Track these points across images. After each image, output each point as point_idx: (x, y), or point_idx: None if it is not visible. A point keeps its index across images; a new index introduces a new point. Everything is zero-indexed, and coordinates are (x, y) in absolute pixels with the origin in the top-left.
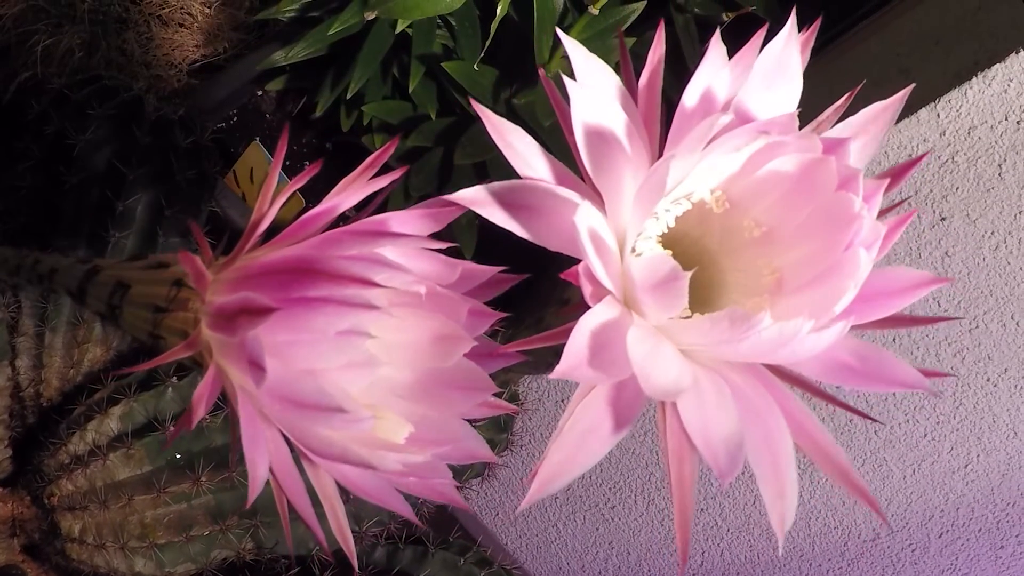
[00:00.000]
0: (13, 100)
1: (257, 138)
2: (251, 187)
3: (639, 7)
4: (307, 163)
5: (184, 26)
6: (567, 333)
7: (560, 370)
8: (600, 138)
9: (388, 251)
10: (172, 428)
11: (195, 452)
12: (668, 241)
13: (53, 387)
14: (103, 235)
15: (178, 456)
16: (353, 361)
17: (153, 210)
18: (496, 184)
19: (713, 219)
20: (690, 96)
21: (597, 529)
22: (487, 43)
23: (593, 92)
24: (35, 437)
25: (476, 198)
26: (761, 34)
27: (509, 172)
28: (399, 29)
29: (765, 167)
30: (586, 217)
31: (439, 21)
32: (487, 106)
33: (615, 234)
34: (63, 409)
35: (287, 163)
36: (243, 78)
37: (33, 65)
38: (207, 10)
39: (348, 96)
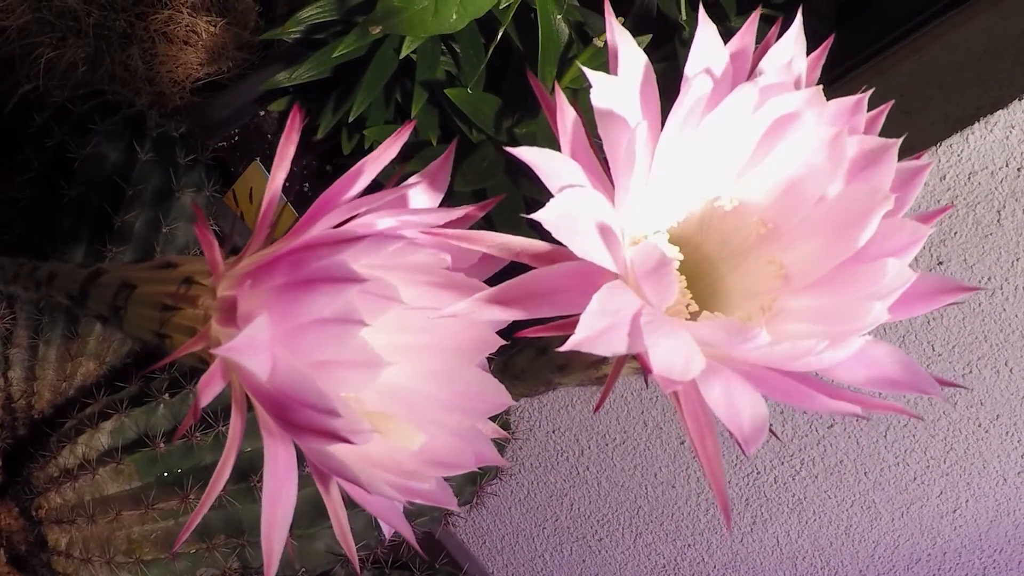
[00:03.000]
0: (15, 112)
1: (258, 158)
2: (250, 207)
3: (643, 40)
4: (307, 185)
5: (188, 44)
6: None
7: (575, 340)
8: (614, 125)
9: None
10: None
11: (184, 470)
12: (674, 241)
13: (45, 399)
14: (100, 249)
15: (166, 474)
16: (355, 360)
17: (151, 226)
18: (540, 151)
19: (715, 222)
20: (691, 68)
21: (584, 561)
22: (483, 65)
23: (617, 81)
24: (25, 449)
25: (529, 157)
26: (755, 17)
27: (510, 198)
28: (403, 54)
29: (775, 148)
30: (574, 196)
31: (443, 47)
32: (489, 134)
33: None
34: (54, 422)
35: (286, 185)
36: (246, 98)
37: (36, 77)
38: (212, 28)
39: (350, 119)
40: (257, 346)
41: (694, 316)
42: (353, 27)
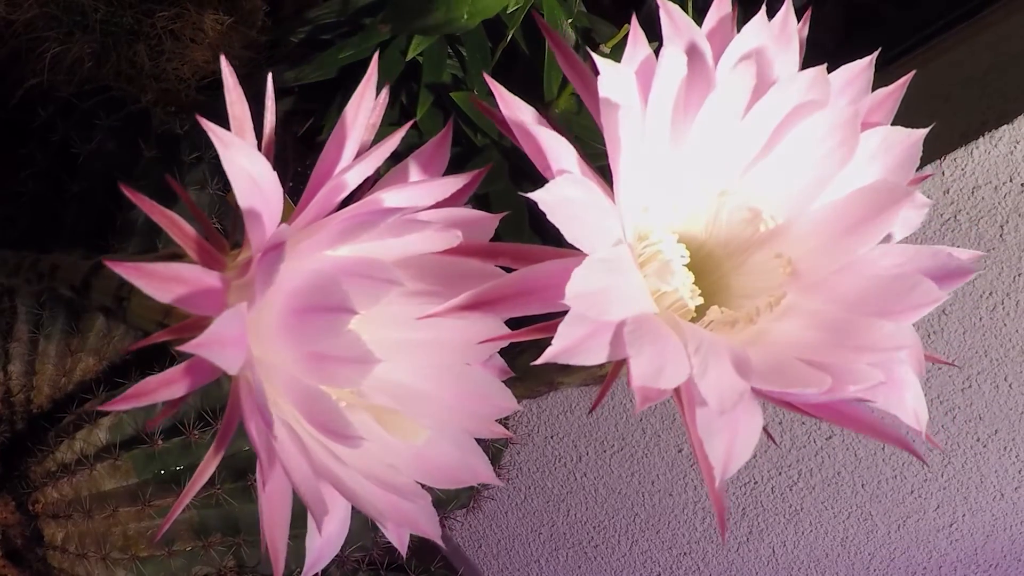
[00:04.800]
0: (20, 106)
1: None
2: None
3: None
4: None
5: (195, 41)
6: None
7: (552, 352)
8: (612, 113)
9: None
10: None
11: (182, 468)
12: (683, 238)
13: (44, 394)
14: (102, 245)
15: (162, 471)
16: (346, 355)
17: (153, 223)
18: (552, 133)
19: (723, 216)
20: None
21: (579, 567)
22: (491, 66)
23: (621, 69)
24: (23, 443)
25: (540, 136)
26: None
27: (511, 204)
28: (410, 56)
29: (782, 139)
30: (574, 180)
31: (449, 50)
32: (494, 138)
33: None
34: (53, 417)
35: (289, 184)
36: (251, 97)
37: (41, 72)
38: (219, 27)
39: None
40: (224, 341)
41: (700, 311)
42: (360, 28)
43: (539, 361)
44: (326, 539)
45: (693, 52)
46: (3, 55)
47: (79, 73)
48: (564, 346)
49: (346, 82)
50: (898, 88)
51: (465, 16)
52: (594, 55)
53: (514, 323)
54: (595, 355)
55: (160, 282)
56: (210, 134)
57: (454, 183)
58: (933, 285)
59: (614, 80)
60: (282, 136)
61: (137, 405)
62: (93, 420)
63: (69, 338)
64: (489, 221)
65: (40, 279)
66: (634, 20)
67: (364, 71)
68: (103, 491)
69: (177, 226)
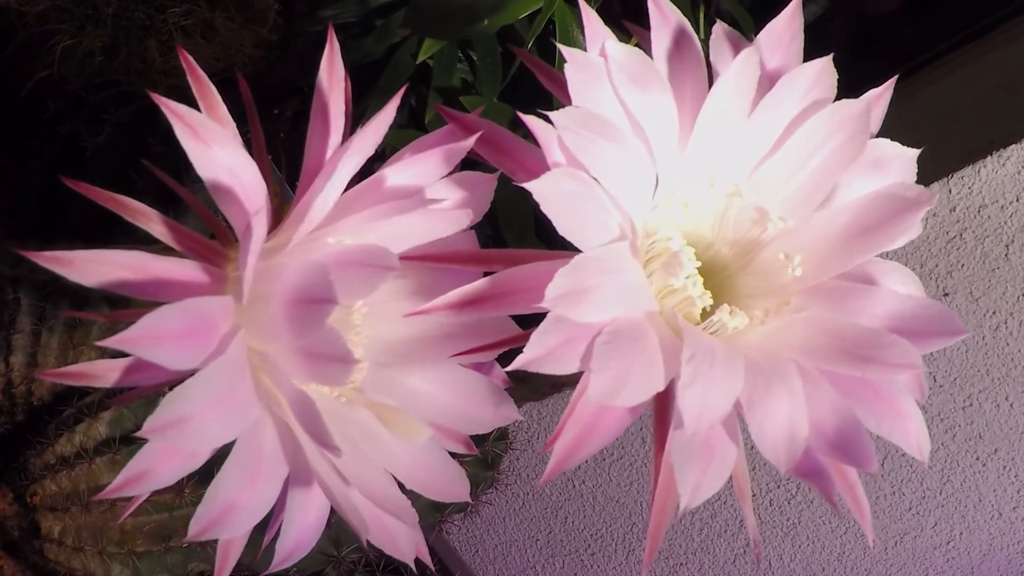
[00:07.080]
0: (29, 98)
1: (270, 157)
2: None
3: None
4: None
5: (206, 39)
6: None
7: (524, 359)
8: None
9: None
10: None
11: None
12: (691, 238)
13: (45, 386)
14: (107, 240)
15: None
16: (328, 352)
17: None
18: (545, 125)
19: (731, 216)
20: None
21: (575, 575)
22: (500, 75)
23: (587, 55)
24: (23, 435)
25: (533, 127)
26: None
27: (516, 210)
28: (420, 59)
29: (796, 130)
30: (571, 173)
31: (460, 55)
32: None
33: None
34: (53, 409)
35: (294, 185)
36: (259, 96)
37: (52, 65)
38: (231, 24)
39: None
40: (161, 337)
41: (707, 312)
42: (371, 30)
43: (509, 368)
44: (298, 536)
45: (682, 37)
46: (14, 47)
47: (89, 67)
48: (535, 355)
49: (355, 82)
50: (884, 91)
51: (486, 21)
52: (559, 45)
53: (523, 323)
54: (566, 365)
55: (91, 265)
56: (164, 109)
57: (455, 151)
58: (953, 316)
59: (581, 66)
60: (290, 136)
61: (73, 384)
62: (93, 414)
63: (71, 331)
64: (487, 183)
65: (44, 269)
66: (582, 3)
67: (373, 73)
68: (101, 485)
69: (131, 209)
